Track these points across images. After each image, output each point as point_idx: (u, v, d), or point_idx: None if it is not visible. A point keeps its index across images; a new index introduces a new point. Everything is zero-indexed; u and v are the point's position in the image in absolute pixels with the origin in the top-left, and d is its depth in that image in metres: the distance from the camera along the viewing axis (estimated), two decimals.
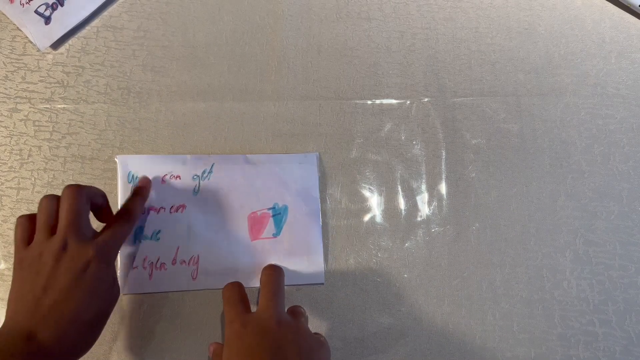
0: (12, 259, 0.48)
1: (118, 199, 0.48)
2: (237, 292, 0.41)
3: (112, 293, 0.40)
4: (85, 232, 0.39)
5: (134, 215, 0.44)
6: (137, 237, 0.48)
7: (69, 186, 0.40)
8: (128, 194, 0.47)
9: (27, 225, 0.40)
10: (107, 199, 0.44)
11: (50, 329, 0.36)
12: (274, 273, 0.43)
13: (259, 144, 0.51)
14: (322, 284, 0.47)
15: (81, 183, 0.50)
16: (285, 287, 0.45)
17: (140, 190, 0.47)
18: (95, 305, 0.38)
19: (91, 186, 0.42)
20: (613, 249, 0.49)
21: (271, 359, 0.36)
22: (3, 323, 0.37)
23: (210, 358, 0.42)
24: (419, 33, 0.54)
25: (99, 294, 0.38)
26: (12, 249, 0.49)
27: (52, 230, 0.39)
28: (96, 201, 0.42)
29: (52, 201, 0.40)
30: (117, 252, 0.42)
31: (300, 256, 0.48)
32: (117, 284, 0.41)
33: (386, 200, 0.50)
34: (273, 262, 0.47)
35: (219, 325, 0.47)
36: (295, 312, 0.42)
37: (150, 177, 0.49)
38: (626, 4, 0.54)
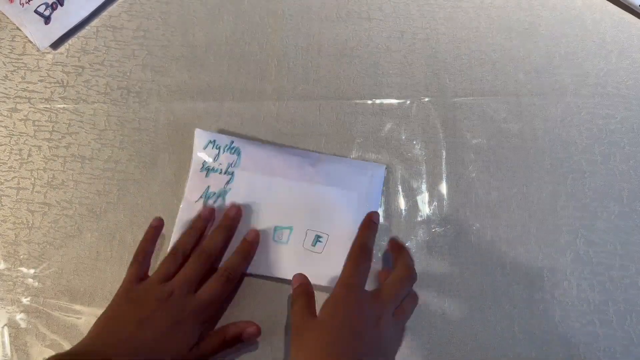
0: (12, 259, 0.48)
1: (189, 174, 0.49)
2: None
3: (190, 352, 0.41)
4: (192, 287, 0.42)
5: (235, 277, 0.45)
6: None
7: (203, 252, 0.44)
8: (199, 167, 0.48)
9: (143, 265, 0.44)
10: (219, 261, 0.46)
11: None
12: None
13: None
14: None
15: (81, 181, 0.50)
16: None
17: (246, 250, 0.46)
18: (169, 357, 0.39)
19: (218, 254, 0.45)
20: (614, 249, 0.49)
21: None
22: (83, 340, 0.39)
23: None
24: (419, 33, 0.54)
25: (179, 348, 0.40)
26: (11, 249, 0.49)
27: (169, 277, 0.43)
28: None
29: (179, 260, 0.44)
30: (215, 313, 0.44)
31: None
32: (199, 343, 0.42)
33: (386, 200, 0.49)
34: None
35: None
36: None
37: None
38: (626, 3, 0.54)
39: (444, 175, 0.50)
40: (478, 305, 0.47)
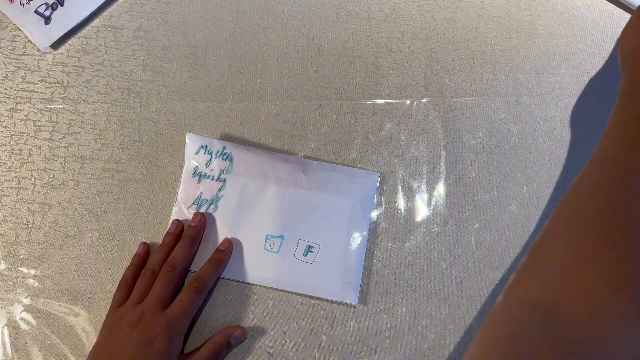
0: (12, 259, 0.48)
1: (181, 179, 0.49)
2: None
3: None
4: (162, 304, 0.43)
5: (206, 287, 0.45)
6: None
7: (167, 267, 0.45)
8: (190, 171, 0.48)
9: (126, 291, 0.45)
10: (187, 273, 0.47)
11: None
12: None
13: (259, 144, 0.51)
14: (354, 306, 0.47)
15: (81, 181, 0.50)
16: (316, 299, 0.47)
17: (219, 259, 0.46)
18: None
19: (186, 267, 0.46)
20: None
21: None
22: None
23: None
24: (419, 33, 0.54)
25: None
26: (11, 249, 0.49)
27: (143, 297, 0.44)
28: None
29: (151, 279, 0.45)
30: (187, 325, 0.44)
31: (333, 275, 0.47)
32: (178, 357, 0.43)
33: (386, 200, 0.50)
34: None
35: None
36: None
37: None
38: (626, 4, 0.54)
39: (444, 175, 0.50)
40: (478, 305, 0.47)
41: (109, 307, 0.45)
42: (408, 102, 0.52)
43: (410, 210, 0.49)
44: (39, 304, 0.47)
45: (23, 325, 0.47)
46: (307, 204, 0.48)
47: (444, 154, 0.51)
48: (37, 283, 0.48)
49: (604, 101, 0.52)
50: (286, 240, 0.47)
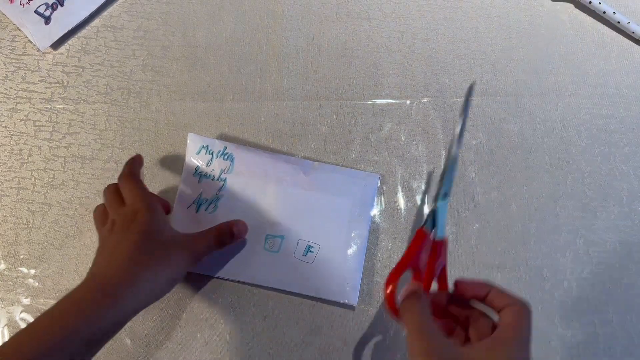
0: (12, 259, 0.48)
1: (182, 178, 0.49)
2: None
3: (163, 237, 0.41)
4: (118, 203, 0.43)
5: (219, 242, 0.44)
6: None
7: (124, 172, 0.45)
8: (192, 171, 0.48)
9: (103, 210, 0.45)
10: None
11: (107, 267, 0.39)
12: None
13: (259, 144, 0.51)
14: (353, 307, 0.47)
15: (81, 181, 0.50)
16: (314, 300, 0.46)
17: (236, 233, 0.45)
18: (144, 247, 0.40)
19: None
20: (613, 248, 0.49)
21: None
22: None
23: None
24: (419, 33, 0.54)
25: (148, 236, 0.40)
26: (11, 249, 0.49)
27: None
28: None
29: (113, 186, 0.45)
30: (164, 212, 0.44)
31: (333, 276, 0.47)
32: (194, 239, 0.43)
33: (386, 201, 0.50)
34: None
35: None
36: None
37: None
38: (622, 28, 0.54)
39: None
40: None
41: None
42: (408, 102, 0.52)
43: (411, 210, 0.49)
44: (39, 304, 0.47)
45: (23, 325, 0.47)
46: (307, 204, 0.48)
47: (444, 154, 0.51)
48: (37, 283, 0.48)
49: (604, 101, 0.52)
50: (286, 240, 0.47)
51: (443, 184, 0.38)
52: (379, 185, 0.49)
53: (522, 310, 0.32)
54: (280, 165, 0.48)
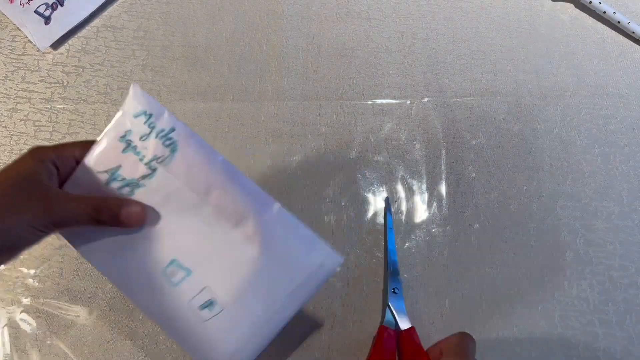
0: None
1: (104, 132, 0.36)
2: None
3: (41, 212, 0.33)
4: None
5: (94, 219, 0.35)
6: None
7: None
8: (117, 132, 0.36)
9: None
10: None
11: None
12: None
13: (259, 144, 0.51)
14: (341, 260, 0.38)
15: None
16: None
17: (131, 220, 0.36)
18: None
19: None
20: (613, 249, 0.49)
21: None
22: None
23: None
24: (419, 33, 0.54)
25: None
26: None
27: None
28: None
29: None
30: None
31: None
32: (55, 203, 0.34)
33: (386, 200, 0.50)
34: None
35: None
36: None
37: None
38: (622, 27, 0.54)
39: (444, 176, 0.50)
40: (477, 305, 0.47)
41: (109, 307, 0.45)
42: (408, 102, 0.52)
43: (411, 210, 0.49)
44: (38, 304, 0.47)
45: (23, 325, 0.47)
46: (238, 253, 0.36)
47: (444, 154, 0.51)
48: (37, 283, 0.48)
49: (604, 101, 0.52)
50: (191, 278, 0.36)
51: (389, 281, 0.40)
52: (337, 271, 0.43)
53: (464, 334, 0.40)
54: (232, 188, 0.36)
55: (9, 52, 0.53)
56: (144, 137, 0.36)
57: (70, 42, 0.53)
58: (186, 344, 0.37)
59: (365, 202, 0.50)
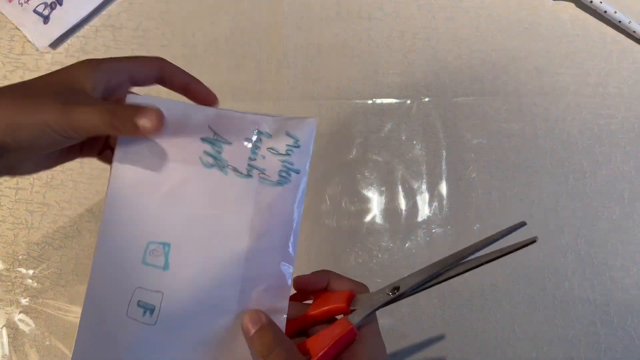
0: (11, 260, 0.48)
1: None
2: None
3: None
4: None
5: (110, 125, 0.29)
6: None
7: None
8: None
9: None
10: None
11: None
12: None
13: None
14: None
15: (80, 182, 0.50)
16: None
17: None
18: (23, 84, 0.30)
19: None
20: (615, 249, 0.48)
21: None
22: None
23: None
24: (419, 32, 0.54)
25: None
26: (10, 250, 0.48)
27: None
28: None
29: None
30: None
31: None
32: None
33: (386, 201, 0.49)
34: None
35: None
36: None
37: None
38: (623, 27, 0.54)
39: (444, 176, 0.50)
40: (478, 305, 0.47)
41: None
42: (408, 101, 0.52)
43: (411, 210, 0.49)
44: (37, 304, 0.47)
45: (22, 326, 0.47)
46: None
47: (444, 153, 0.51)
48: (35, 283, 0.48)
49: (605, 101, 0.52)
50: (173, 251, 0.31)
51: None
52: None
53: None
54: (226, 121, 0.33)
55: (8, 52, 0.53)
56: (272, 150, 0.33)
57: (69, 41, 0.53)
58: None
59: (365, 202, 0.49)
